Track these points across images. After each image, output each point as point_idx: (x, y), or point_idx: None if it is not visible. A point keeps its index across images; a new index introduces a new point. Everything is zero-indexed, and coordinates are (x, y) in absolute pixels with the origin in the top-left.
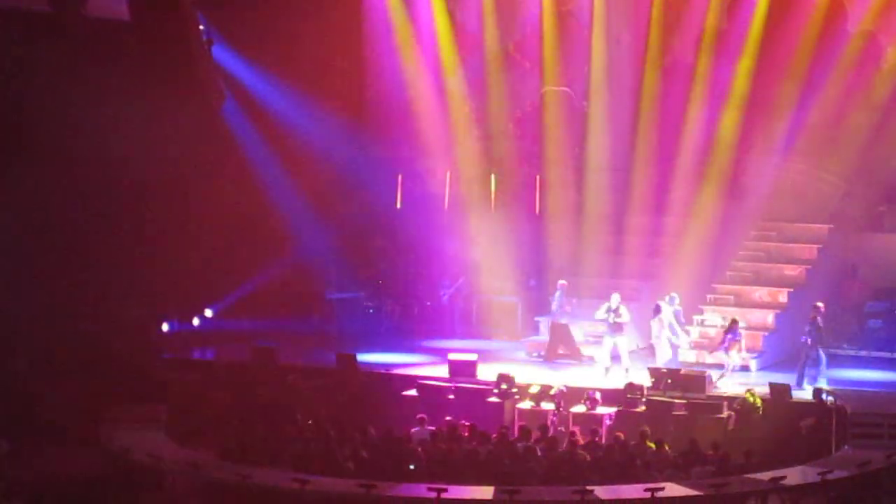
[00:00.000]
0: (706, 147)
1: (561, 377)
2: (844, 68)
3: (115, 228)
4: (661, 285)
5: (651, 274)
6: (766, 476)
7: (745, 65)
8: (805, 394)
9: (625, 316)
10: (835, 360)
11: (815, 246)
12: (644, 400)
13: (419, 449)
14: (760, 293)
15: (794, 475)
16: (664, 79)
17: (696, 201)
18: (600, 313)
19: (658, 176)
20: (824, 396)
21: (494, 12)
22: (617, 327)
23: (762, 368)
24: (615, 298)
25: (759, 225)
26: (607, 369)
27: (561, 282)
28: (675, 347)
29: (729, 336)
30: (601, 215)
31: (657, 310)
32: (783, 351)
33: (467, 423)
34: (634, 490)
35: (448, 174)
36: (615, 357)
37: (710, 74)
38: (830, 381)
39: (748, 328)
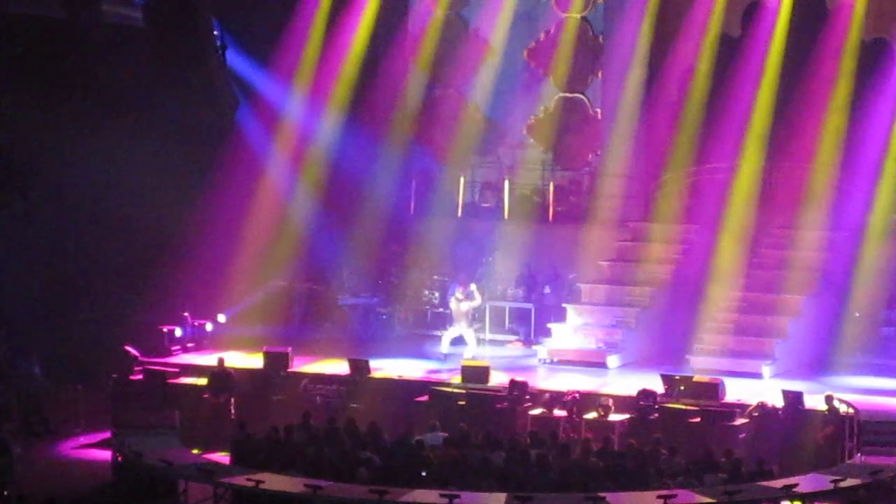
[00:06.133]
0: (722, 155)
1: (573, 384)
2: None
3: (129, 233)
4: (673, 293)
5: (664, 281)
6: (778, 483)
7: (768, 75)
8: (817, 401)
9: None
10: (848, 368)
11: (830, 254)
12: (657, 407)
13: (431, 455)
14: (774, 300)
15: (806, 482)
16: (680, 86)
17: (711, 209)
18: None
19: (672, 182)
20: (836, 403)
21: (509, 19)
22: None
23: (776, 376)
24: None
25: (773, 233)
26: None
27: None
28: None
29: None
30: (615, 222)
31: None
32: (797, 358)
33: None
34: (647, 497)
35: (462, 180)
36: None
37: (729, 82)
38: (844, 388)
39: (762, 336)
